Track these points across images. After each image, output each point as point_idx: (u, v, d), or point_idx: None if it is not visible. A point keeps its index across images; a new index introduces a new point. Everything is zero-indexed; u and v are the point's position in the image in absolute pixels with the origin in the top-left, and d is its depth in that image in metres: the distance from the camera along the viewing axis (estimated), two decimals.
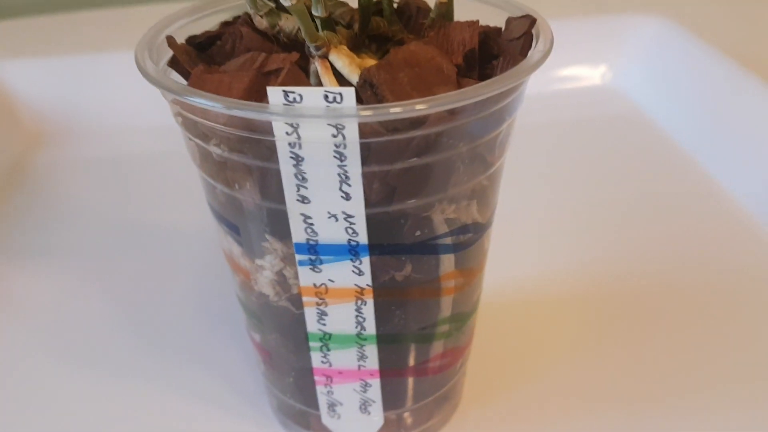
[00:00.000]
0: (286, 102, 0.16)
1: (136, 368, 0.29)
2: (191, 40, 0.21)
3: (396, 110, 0.16)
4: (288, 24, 0.19)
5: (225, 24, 0.21)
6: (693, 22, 0.49)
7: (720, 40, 0.46)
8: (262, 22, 0.19)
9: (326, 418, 0.23)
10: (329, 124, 0.16)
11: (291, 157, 0.17)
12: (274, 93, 0.16)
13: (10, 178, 0.42)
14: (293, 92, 0.16)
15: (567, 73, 0.52)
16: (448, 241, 0.20)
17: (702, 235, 0.35)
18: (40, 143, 0.46)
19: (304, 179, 0.17)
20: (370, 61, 0.18)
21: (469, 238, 0.20)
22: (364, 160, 0.17)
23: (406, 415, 0.24)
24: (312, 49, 0.17)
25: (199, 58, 0.20)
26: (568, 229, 0.36)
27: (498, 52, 0.19)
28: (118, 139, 0.46)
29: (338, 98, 0.16)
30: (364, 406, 0.23)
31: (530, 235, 0.36)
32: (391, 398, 0.23)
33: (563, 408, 0.26)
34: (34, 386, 0.28)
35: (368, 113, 0.16)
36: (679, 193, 0.39)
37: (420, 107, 0.16)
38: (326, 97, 0.16)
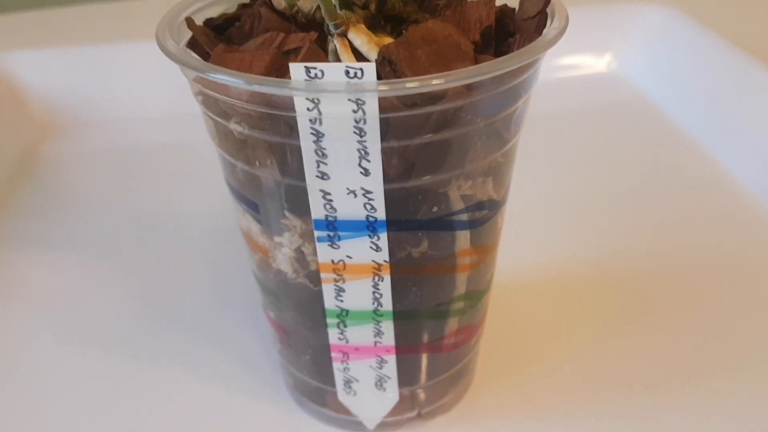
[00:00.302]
0: (307, 78, 0.16)
1: (151, 351, 0.29)
2: (209, 23, 0.21)
3: (414, 85, 0.16)
4: (306, 4, 0.19)
5: (243, 6, 0.21)
6: (697, 10, 0.49)
7: (724, 27, 0.46)
8: (280, 3, 0.20)
9: (342, 395, 0.24)
10: (350, 100, 0.16)
11: (311, 134, 0.17)
12: (296, 69, 0.16)
13: (19, 169, 0.42)
14: (315, 68, 0.16)
15: (572, 61, 0.52)
16: (463, 217, 0.20)
17: (708, 219, 0.36)
18: (49, 134, 0.47)
19: (324, 155, 0.18)
20: (388, 40, 0.18)
21: (484, 215, 0.21)
22: (383, 136, 0.17)
23: (420, 392, 0.24)
24: (331, 28, 0.18)
25: (218, 39, 0.20)
26: (576, 214, 0.36)
27: (514, 30, 0.19)
28: (127, 130, 0.47)
29: (359, 74, 0.16)
30: (380, 383, 0.23)
31: (540, 220, 0.36)
32: (406, 375, 0.23)
33: (575, 388, 0.27)
34: (50, 372, 0.28)
35: (388, 88, 0.16)
36: (684, 179, 0.39)
37: (437, 82, 0.16)
38: (347, 72, 0.16)
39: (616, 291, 0.31)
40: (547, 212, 0.37)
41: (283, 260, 0.21)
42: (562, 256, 0.33)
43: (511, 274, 0.31)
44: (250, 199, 0.20)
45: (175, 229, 0.37)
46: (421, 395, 0.25)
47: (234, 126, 0.18)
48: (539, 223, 0.36)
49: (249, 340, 0.29)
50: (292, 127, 0.17)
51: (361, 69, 0.16)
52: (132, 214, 0.38)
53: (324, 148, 0.18)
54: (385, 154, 0.18)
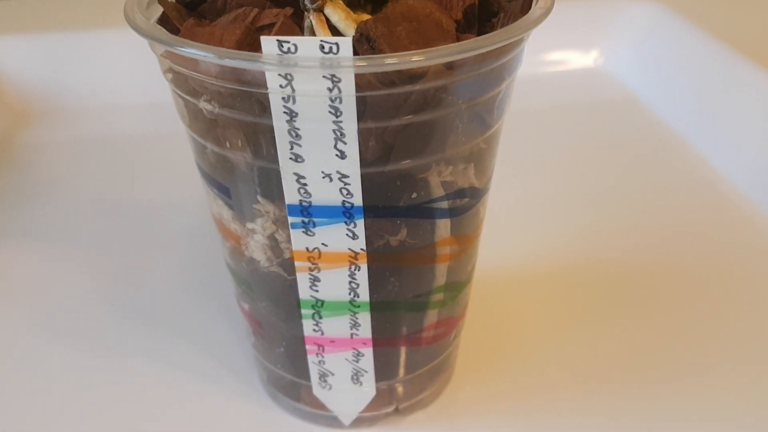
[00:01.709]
0: (280, 52, 0.15)
1: (122, 344, 0.28)
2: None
3: (393, 61, 0.15)
4: None
5: None
6: (685, 6, 0.49)
7: (712, 23, 0.46)
8: None
9: (317, 389, 0.23)
10: (325, 77, 0.16)
11: (284, 113, 0.16)
12: (268, 42, 0.15)
13: None
14: (288, 42, 0.15)
15: (558, 57, 0.52)
16: (444, 205, 0.19)
17: (695, 216, 0.35)
18: (25, 122, 0.45)
19: (297, 136, 0.17)
20: (366, 17, 0.18)
21: (465, 203, 0.20)
22: (360, 116, 0.16)
23: (398, 386, 0.24)
24: (307, 3, 0.17)
25: (189, 15, 0.19)
26: (561, 210, 0.36)
27: (498, 10, 0.19)
28: (104, 118, 0.46)
29: (334, 48, 0.15)
30: (356, 377, 0.22)
31: (524, 215, 0.35)
32: (384, 368, 0.23)
33: (557, 384, 0.26)
34: (20, 363, 0.27)
35: (365, 63, 0.15)
36: (671, 177, 0.39)
37: (417, 58, 0.15)
38: (322, 47, 0.15)
39: (599, 287, 0.31)
40: (531, 208, 0.36)
41: (256, 248, 0.20)
42: (546, 252, 0.33)
43: (494, 268, 0.31)
44: (221, 183, 0.19)
45: (149, 220, 0.36)
46: (399, 390, 0.24)
47: (204, 105, 0.18)
48: (523, 219, 0.35)
49: (222, 333, 0.28)
50: (264, 106, 0.16)
51: (337, 44, 0.15)
52: (106, 203, 0.37)
53: (298, 129, 0.17)
54: (362, 135, 0.17)
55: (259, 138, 0.17)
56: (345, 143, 0.17)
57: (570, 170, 0.39)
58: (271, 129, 0.17)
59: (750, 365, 0.27)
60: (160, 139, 0.43)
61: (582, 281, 0.31)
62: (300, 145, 0.17)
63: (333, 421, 0.24)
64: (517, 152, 0.39)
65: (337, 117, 0.16)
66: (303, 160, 0.17)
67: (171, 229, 0.35)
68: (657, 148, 0.42)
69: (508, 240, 0.33)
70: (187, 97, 0.18)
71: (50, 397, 0.26)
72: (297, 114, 0.16)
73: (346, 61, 0.15)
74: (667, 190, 0.38)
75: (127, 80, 0.47)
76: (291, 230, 0.19)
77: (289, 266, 0.20)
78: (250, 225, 0.20)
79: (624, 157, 0.41)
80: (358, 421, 0.24)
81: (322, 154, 0.17)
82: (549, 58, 0.52)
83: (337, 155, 0.17)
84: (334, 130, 0.17)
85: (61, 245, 0.34)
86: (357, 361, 0.22)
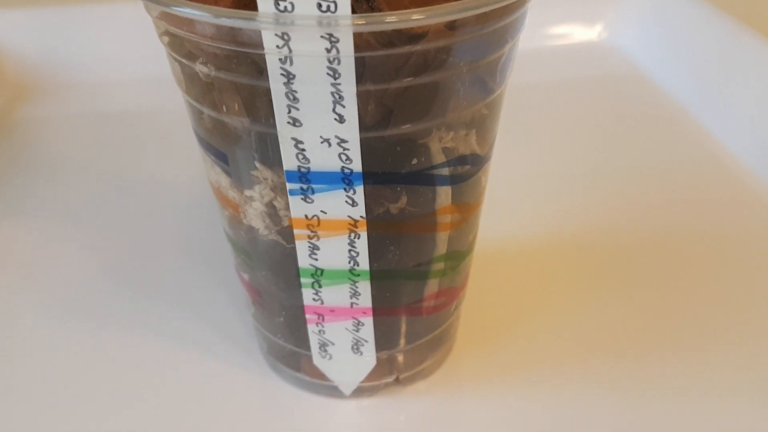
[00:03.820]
0: (276, 10, 0.15)
1: (122, 315, 0.28)
2: None
3: (393, 19, 0.15)
4: None
5: None
6: None
7: None
8: None
9: (317, 359, 0.23)
10: (322, 37, 0.15)
11: (281, 75, 0.16)
12: (265, 1, 0.15)
13: None
14: (284, 0, 0.15)
15: (561, 30, 0.51)
16: (445, 172, 0.19)
17: (701, 191, 0.35)
18: (23, 97, 0.45)
19: (295, 99, 0.17)
20: None
21: (467, 170, 0.20)
22: (359, 78, 0.16)
23: (399, 356, 0.24)
24: None
25: None
26: (564, 185, 0.36)
27: None
28: (103, 92, 0.45)
29: (332, 7, 0.15)
30: (356, 346, 0.22)
31: (527, 190, 0.35)
32: (384, 338, 0.22)
33: (557, 355, 0.26)
34: (19, 335, 0.27)
35: (364, 22, 0.15)
36: (676, 151, 0.38)
37: (417, 17, 0.15)
38: (319, 5, 0.15)
39: (601, 259, 0.31)
40: (534, 182, 0.36)
41: (255, 216, 0.20)
42: (549, 226, 0.33)
43: (495, 241, 0.31)
44: (218, 149, 0.19)
45: (149, 193, 0.35)
46: (400, 360, 0.24)
47: (200, 67, 0.17)
48: (527, 193, 0.35)
49: (222, 304, 0.28)
50: (261, 68, 0.16)
51: (335, 2, 0.15)
52: (105, 177, 0.37)
53: (295, 91, 0.16)
54: (361, 98, 0.16)
55: (256, 101, 0.17)
56: (344, 107, 0.17)
57: (573, 145, 0.39)
58: (269, 92, 0.16)
59: (751, 334, 0.27)
60: (159, 113, 0.42)
61: (584, 254, 0.31)
62: (298, 109, 0.17)
63: (333, 390, 0.24)
64: (519, 127, 0.39)
65: (335, 79, 0.16)
66: (301, 125, 0.17)
67: (171, 202, 0.35)
68: (662, 123, 0.41)
69: (510, 213, 0.33)
70: (184, 61, 0.18)
71: (50, 368, 0.26)
72: (294, 76, 0.16)
73: (344, 20, 0.15)
74: (672, 165, 0.37)
75: (127, 54, 0.46)
76: (289, 197, 0.18)
77: (287, 234, 0.20)
78: (248, 192, 0.19)
79: (628, 132, 0.40)
80: (359, 391, 0.24)
81: (320, 118, 0.17)
82: (552, 31, 0.51)
83: (335, 119, 0.17)
84: (332, 93, 0.16)
85: (59, 220, 0.34)
86: (357, 331, 0.22)
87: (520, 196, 0.34)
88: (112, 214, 0.34)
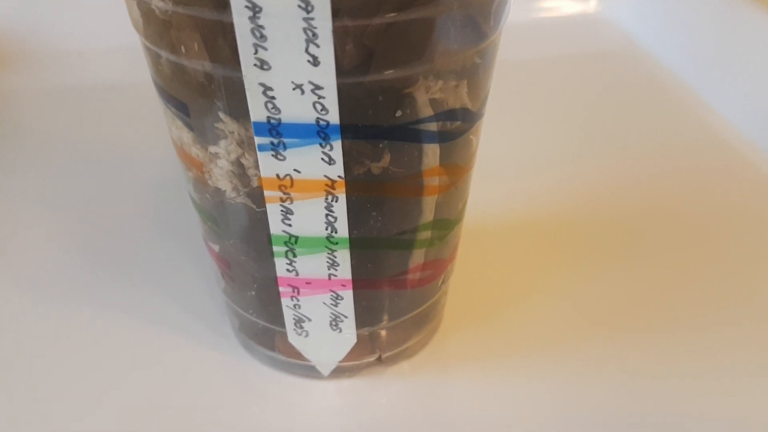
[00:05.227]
0: None
1: (88, 292, 0.26)
2: None
3: None
4: None
5: None
6: None
7: None
8: None
9: (293, 336, 0.21)
10: None
11: (246, 7, 0.14)
12: None
13: None
14: None
15: (553, 2, 0.49)
16: (433, 127, 0.17)
17: (697, 162, 0.34)
18: None
19: (262, 37, 0.14)
20: None
21: (457, 126, 0.18)
22: (336, 12, 0.14)
23: (381, 333, 0.22)
24: None
25: None
26: (556, 159, 0.34)
27: None
28: (75, 63, 0.43)
29: None
30: (335, 322, 0.20)
31: (519, 164, 0.33)
32: (365, 314, 0.21)
33: (548, 334, 0.24)
34: None
35: None
36: (672, 126, 0.37)
37: None
38: None
39: (593, 233, 0.29)
40: (524, 157, 0.34)
41: (221, 176, 0.18)
42: (539, 200, 0.31)
43: (485, 215, 0.29)
44: (177, 98, 0.17)
45: (120, 168, 0.33)
46: (383, 337, 0.22)
47: (156, 2, 0.15)
48: (518, 168, 0.33)
49: (191, 279, 0.26)
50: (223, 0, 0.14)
51: None
52: (76, 151, 0.35)
53: (262, 27, 0.14)
54: (338, 37, 0.14)
55: (218, 40, 0.15)
56: (318, 46, 0.15)
57: (566, 120, 0.38)
58: (232, 28, 0.14)
59: (749, 305, 0.25)
60: (132, 86, 0.40)
61: (579, 229, 0.29)
62: (265, 49, 0.15)
63: (311, 371, 0.22)
64: (510, 102, 0.37)
65: (307, 12, 0.14)
66: (269, 68, 0.15)
67: (142, 177, 0.33)
68: (658, 97, 0.40)
69: (500, 187, 0.31)
70: None
71: (15, 351, 0.24)
72: (261, 9, 0.14)
73: None
74: (669, 138, 0.36)
75: (99, 24, 0.44)
76: (258, 153, 0.16)
77: (258, 196, 0.18)
78: (212, 149, 0.17)
79: (623, 107, 0.39)
80: (338, 371, 0.22)
81: (291, 59, 0.15)
82: (543, 3, 0.49)
83: (309, 61, 0.15)
84: (305, 29, 0.14)
85: (29, 194, 0.32)
86: (336, 305, 0.20)
87: (513, 169, 0.33)
88: (82, 188, 0.32)
